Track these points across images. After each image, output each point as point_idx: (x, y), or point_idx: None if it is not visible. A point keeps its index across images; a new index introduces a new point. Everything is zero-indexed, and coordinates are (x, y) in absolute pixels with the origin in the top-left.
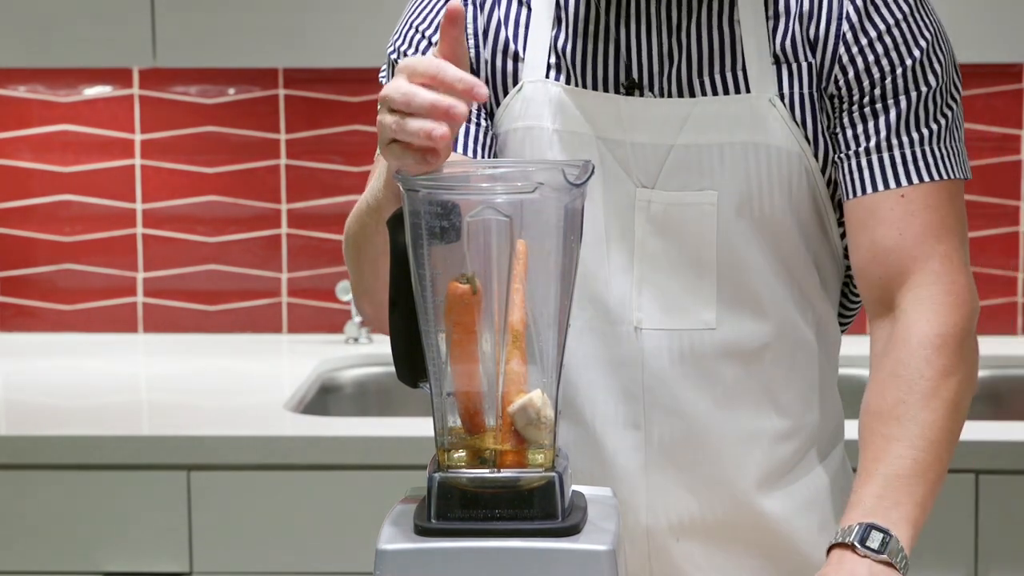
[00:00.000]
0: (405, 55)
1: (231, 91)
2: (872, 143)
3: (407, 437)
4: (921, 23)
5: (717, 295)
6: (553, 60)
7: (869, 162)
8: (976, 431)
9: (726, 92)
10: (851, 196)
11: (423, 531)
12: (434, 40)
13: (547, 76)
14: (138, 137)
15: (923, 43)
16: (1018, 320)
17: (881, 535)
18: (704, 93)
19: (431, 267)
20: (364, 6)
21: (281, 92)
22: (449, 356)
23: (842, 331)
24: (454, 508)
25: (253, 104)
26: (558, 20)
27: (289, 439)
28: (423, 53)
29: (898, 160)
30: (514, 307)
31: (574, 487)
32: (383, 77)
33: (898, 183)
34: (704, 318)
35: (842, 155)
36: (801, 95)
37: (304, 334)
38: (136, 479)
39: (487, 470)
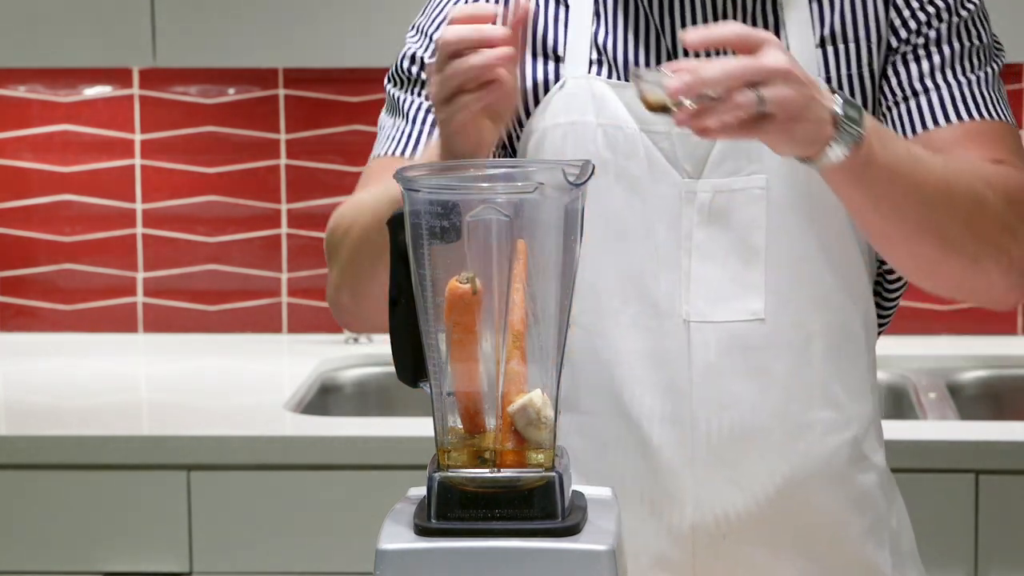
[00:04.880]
0: (417, 58)
1: (231, 91)
2: (924, 82)
3: (407, 437)
4: None
5: (766, 283)
6: (595, 56)
7: (929, 100)
8: (976, 431)
9: None
10: (913, 129)
11: (423, 531)
12: None
13: (589, 71)
14: (138, 137)
15: (972, 6)
16: (1018, 320)
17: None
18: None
19: (431, 267)
20: (364, 6)
21: (281, 92)
22: (449, 356)
23: (880, 332)
24: (454, 508)
25: (253, 104)
26: (597, 15)
27: (289, 439)
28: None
29: (956, 96)
30: (514, 307)
31: (574, 487)
32: (396, 90)
33: (959, 117)
34: (752, 308)
35: (891, 103)
36: (849, 76)
37: (304, 334)
38: (136, 479)
39: (487, 470)
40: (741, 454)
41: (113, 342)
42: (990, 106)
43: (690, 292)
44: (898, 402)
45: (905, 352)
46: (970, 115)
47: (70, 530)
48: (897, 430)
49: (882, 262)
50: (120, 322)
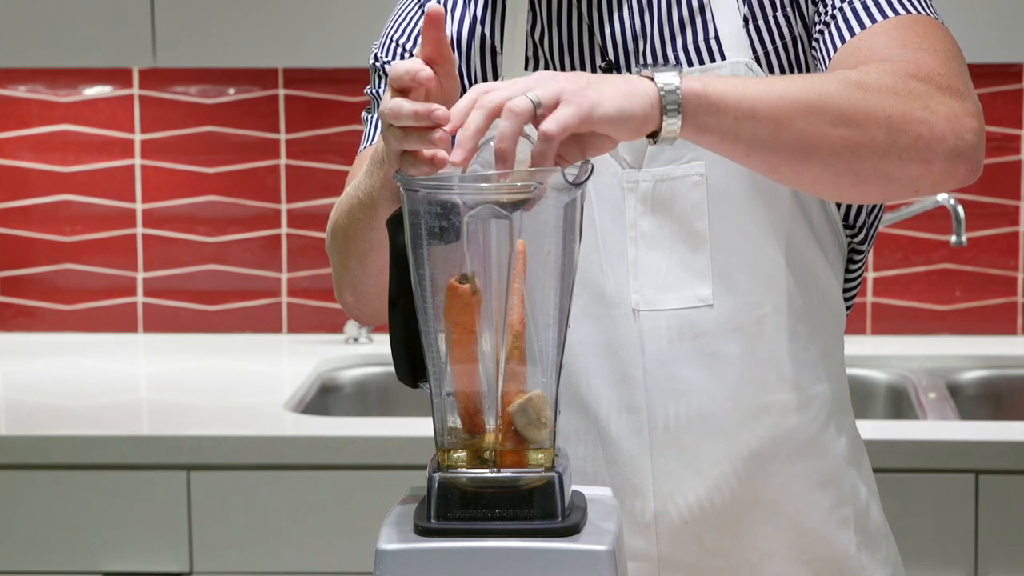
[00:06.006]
0: (387, 66)
1: (231, 91)
2: (835, 5)
3: (407, 437)
4: None
5: (712, 268)
6: (531, 52)
7: (845, 14)
8: (976, 431)
9: (701, 62)
10: (832, 51)
11: (423, 531)
12: (413, 52)
13: (526, 68)
14: (138, 137)
15: None
16: (1018, 320)
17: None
18: (679, 65)
19: (431, 267)
20: (364, 6)
21: (281, 92)
22: (449, 356)
23: (847, 307)
24: (454, 508)
25: (253, 104)
26: (532, 10)
27: (289, 439)
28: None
29: (859, 7)
30: (514, 307)
31: (574, 487)
32: (369, 89)
33: (872, 20)
34: (700, 294)
35: (816, 33)
36: (775, 48)
37: (304, 334)
38: (136, 479)
39: (487, 470)
40: (698, 440)
41: (113, 342)
42: (895, 3)
43: (638, 281)
44: (898, 402)
45: (905, 352)
46: (872, 19)
47: (70, 530)
48: (897, 430)
49: (851, 236)
50: (120, 322)
